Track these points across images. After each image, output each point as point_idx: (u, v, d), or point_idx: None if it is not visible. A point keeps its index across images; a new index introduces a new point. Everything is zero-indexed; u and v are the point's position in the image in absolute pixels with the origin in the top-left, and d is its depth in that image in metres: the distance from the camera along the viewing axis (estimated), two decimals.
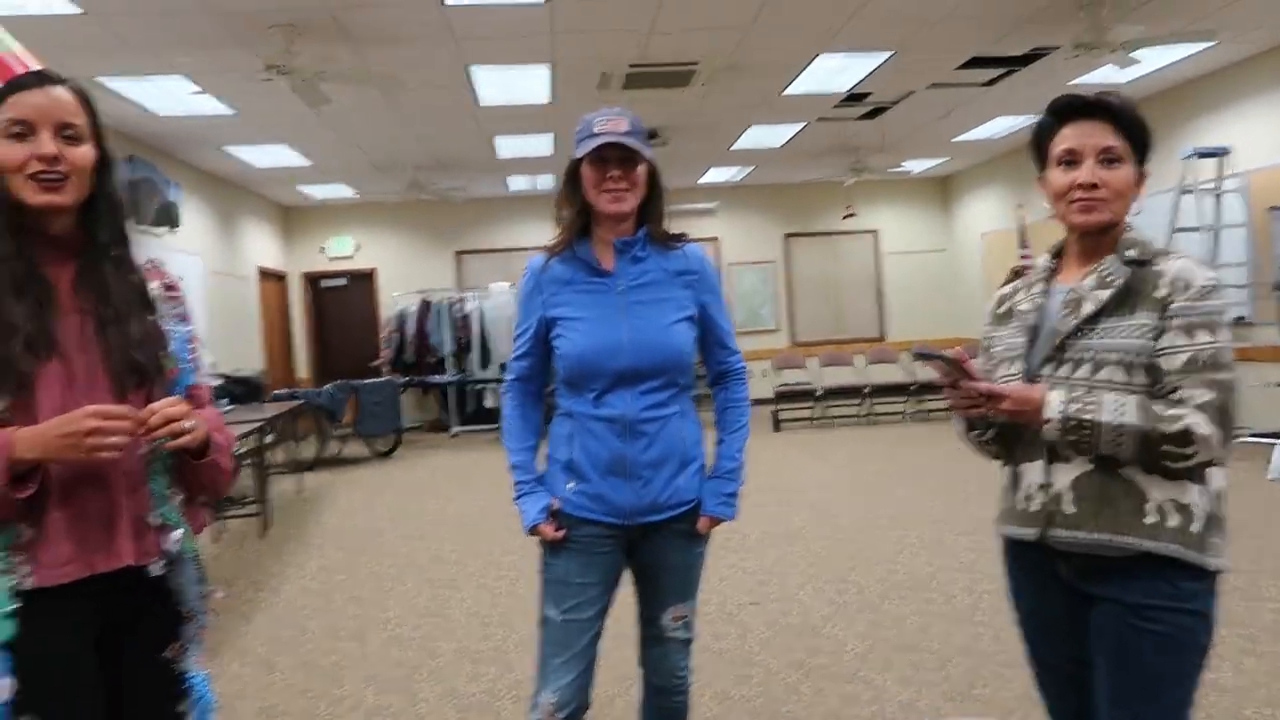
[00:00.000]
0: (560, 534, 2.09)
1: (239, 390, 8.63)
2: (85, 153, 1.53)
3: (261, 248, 12.31)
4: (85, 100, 1.55)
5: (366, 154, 9.95)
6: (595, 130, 2.04)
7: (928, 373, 10.33)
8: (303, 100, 6.51)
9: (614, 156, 2.03)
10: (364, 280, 13.51)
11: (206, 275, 10.20)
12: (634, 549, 2.16)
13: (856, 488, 7.02)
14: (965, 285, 13.13)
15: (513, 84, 7.44)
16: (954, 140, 10.81)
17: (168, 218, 9.09)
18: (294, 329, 13.47)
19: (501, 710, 3.29)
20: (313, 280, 13.62)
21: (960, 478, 6.75)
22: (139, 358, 1.55)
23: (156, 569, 1.56)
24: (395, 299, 12.83)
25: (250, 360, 11.32)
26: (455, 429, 12.03)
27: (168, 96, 7.19)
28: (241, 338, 11.27)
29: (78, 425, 1.40)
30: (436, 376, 12.12)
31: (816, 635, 3.85)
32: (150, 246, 8.52)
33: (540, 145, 9.83)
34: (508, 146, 9.84)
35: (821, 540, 5.41)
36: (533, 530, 2.13)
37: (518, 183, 12.24)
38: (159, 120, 7.91)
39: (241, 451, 7.06)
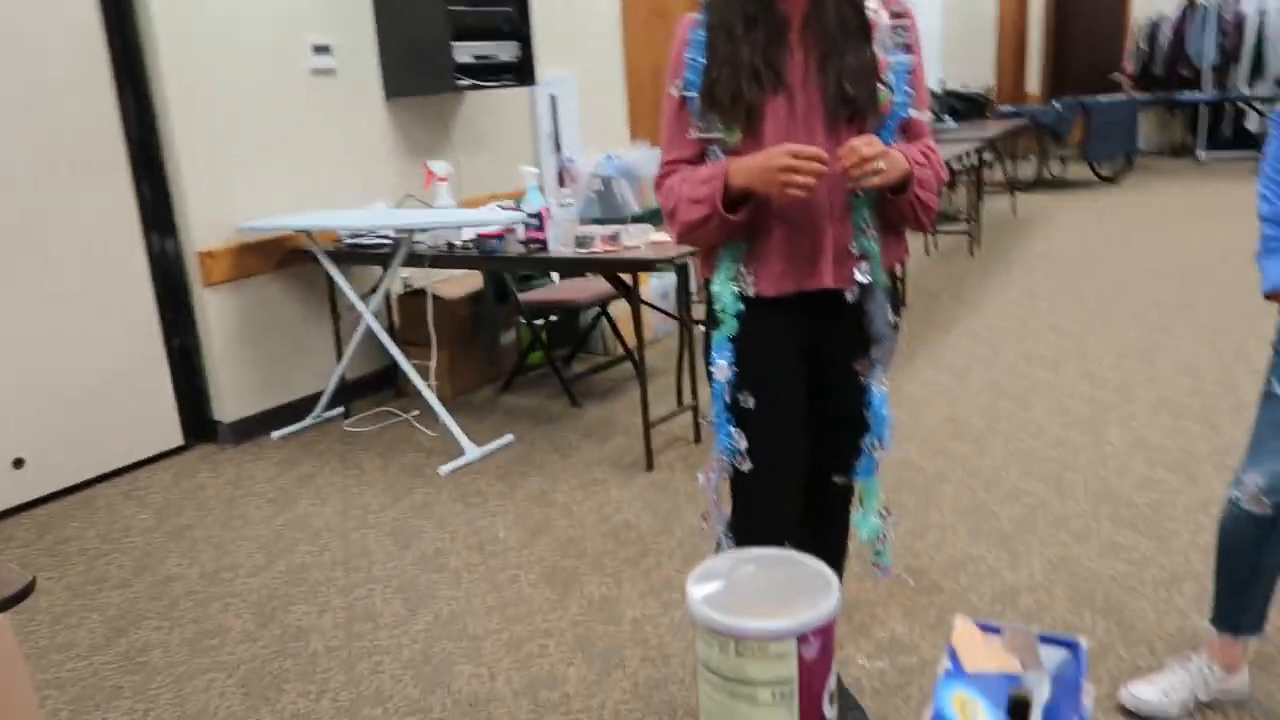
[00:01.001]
0: None
1: (963, 107, 8.60)
2: None
3: None
4: None
5: None
6: None
7: None
8: None
9: None
10: None
11: None
12: None
13: None
14: None
15: None
16: None
17: None
18: (1030, 40, 12.71)
19: (1199, 473, 3.03)
20: None
21: None
22: (851, 91, 1.57)
23: (851, 295, 1.68)
24: (1151, 2, 11.21)
25: (982, 75, 11.09)
26: (1204, 154, 10.47)
27: None
28: (976, 52, 11.03)
29: (774, 162, 1.51)
30: (1189, 93, 10.53)
31: None
32: None
33: None
34: None
35: None
36: (1271, 295, 1.80)
37: None
38: None
39: (959, 169, 7.14)
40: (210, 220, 3.78)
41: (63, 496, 3.46)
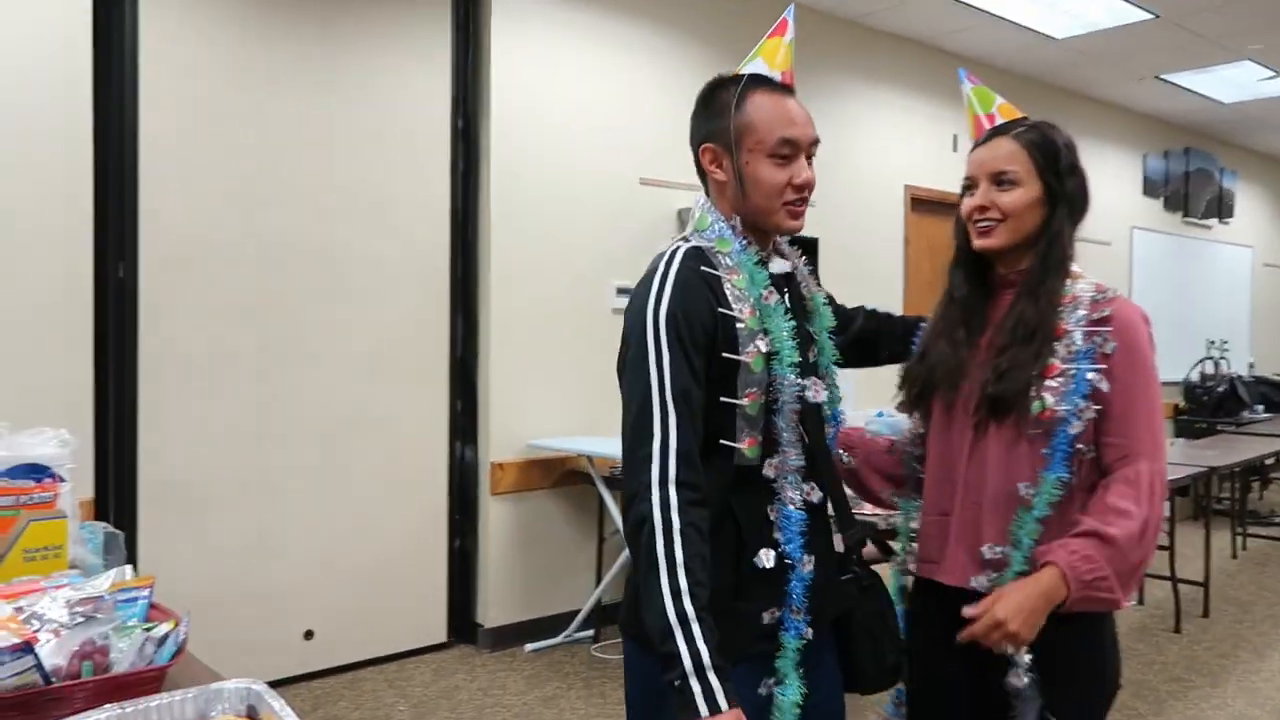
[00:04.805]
0: None
1: (1277, 395, 7.90)
2: (1016, 197, 1.58)
3: None
4: (1030, 144, 1.59)
5: None
6: None
7: None
8: None
9: None
10: None
11: (1256, 267, 9.50)
12: None
13: None
14: None
15: None
16: None
17: (1219, 209, 8.74)
18: None
19: None
20: None
21: None
22: (993, 389, 1.54)
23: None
24: None
25: None
26: None
27: (1233, 84, 6.93)
28: None
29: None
30: None
31: None
32: (1199, 238, 8.32)
33: None
34: None
35: None
36: None
37: None
38: (1223, 108, 7.63)
39: (1269, 464, 6.47)
40: (506, 434, 4.12)
41: (337, 673, 3.71)
